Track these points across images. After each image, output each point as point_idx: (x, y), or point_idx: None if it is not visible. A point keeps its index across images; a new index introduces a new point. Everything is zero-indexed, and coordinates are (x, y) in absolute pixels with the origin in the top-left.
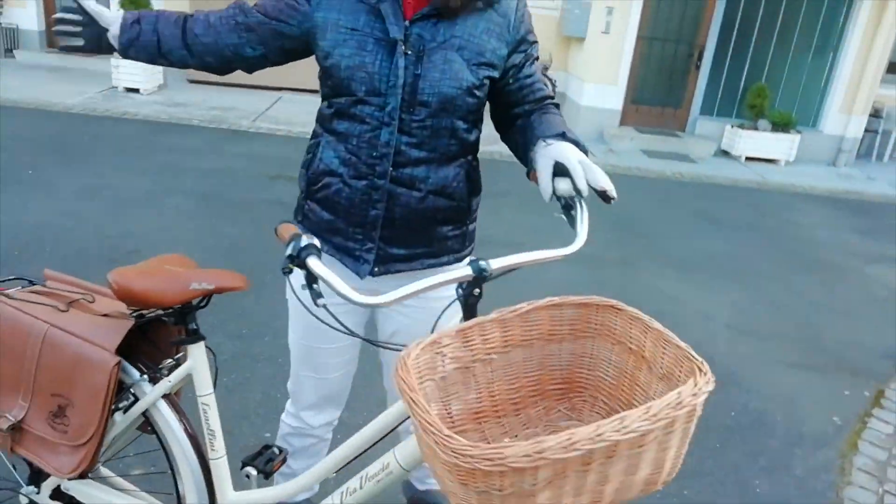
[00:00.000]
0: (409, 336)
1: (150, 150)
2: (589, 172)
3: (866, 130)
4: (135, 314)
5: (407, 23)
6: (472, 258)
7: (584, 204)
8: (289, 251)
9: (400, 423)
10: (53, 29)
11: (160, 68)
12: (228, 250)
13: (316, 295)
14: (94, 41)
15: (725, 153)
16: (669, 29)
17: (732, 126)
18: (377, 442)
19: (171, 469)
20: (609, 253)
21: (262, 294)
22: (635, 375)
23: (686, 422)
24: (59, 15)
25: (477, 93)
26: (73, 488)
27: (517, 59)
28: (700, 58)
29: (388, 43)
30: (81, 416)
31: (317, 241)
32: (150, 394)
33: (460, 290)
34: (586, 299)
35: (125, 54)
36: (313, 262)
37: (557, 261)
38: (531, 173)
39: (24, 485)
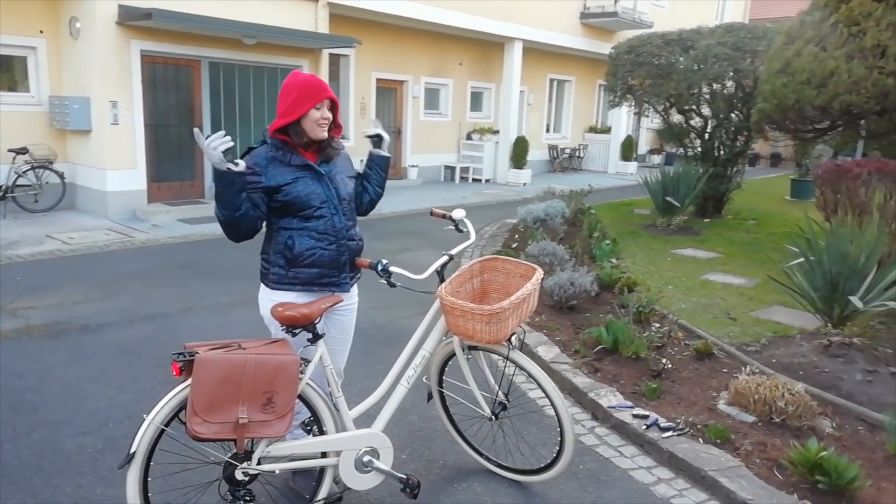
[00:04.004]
0: (338, 331)
1: None
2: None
3: None
4: (288, 332)
5: (317, 165)
6: (444, 252)
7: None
8: (380, 268)
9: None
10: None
11: None
12: None
13: (392, 284)
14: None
15: None
16: (170, 115)
17: None
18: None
19: (315, 415)
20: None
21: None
22: (511, 282)
23: (537, 286)
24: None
25: (356, 188)
26: (274, 449)
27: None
28: None
29: (318, 177)
30: (283, 398)
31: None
32: (308, 372)
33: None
34: (487, 258)
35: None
36: (393, 268)
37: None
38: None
39: (238, 463)
